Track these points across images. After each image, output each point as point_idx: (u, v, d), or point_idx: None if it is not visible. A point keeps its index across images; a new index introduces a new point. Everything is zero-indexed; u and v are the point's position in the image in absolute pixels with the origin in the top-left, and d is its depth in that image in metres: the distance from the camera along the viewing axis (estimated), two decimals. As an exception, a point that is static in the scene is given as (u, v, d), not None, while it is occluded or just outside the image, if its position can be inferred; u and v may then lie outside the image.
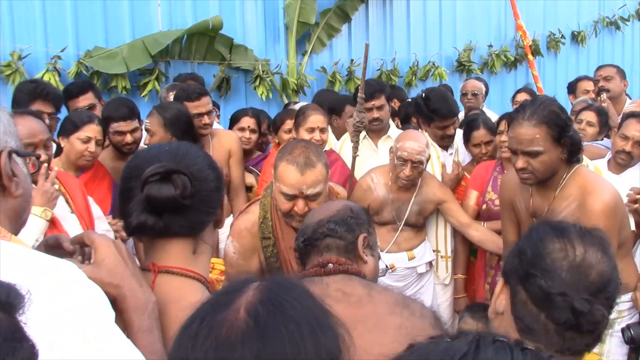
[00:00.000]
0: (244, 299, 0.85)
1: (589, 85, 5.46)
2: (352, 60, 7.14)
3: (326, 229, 1.79)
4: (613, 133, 3.63)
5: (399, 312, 1.61)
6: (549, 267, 1.36)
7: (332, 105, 4.63)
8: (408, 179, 3.39)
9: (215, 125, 4.62)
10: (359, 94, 3.48)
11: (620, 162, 3.50)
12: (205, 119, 3.76)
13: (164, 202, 1.28)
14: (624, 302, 2.73)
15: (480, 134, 3.82)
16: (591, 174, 2.72)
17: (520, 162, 2.48)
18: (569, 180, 2.56)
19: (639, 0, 10.14)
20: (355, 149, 3.46)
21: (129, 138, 3.61)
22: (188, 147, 1.43)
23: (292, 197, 2.37)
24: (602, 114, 4.23)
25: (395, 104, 5.38)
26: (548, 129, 2.44)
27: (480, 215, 3.68)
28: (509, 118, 2.65)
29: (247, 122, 4.29)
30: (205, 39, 6.10)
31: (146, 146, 3.48)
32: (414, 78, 7.52)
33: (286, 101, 6.48)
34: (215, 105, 5.37)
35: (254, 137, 4.31)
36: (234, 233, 2.61)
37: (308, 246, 1.81)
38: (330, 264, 1.73)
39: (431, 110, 3.88)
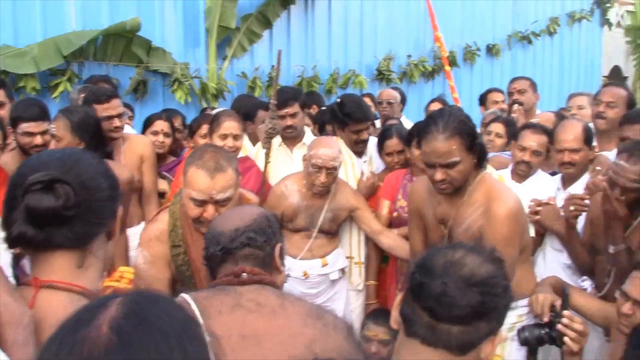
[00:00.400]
0: (107, 314, 0.83)
1: (498, 97, 5.66)
2: (272, 66, 7.12)
3: (245, 238, 1.76)
4: (512, 144, 3.78)
5: (312, 324, 1.60)
6: (427, 265, 1.48)
7: (247, 111, 4.62)
8: (323, 185, 3.42)
9: (129, 129, 4.53)
10: (271, 100, 3.48)
11: (520, 173, 3.64)
12: (116, 122, 3.65)
13: (44, 213, 1.22)
14: (521, 306, 2.83)
15: (392, 143, 3.87)
16: (495, 181, 2.81)
17: (439, 174, 2.52)
18: (475, 187, 2.63)
19: (550, 17, 10.65)
20: (267, 155, 3.46)
21: (38, 140, 3.44)
22: (80, 154, 1.37)
23: (201, 203, 2.33)
24: (510, 125, 4.37)
25: (314, 109, 5.42)
26: (461, 139, 2.50)
27: (392, 223, 3.75)
28: (421, 132, 2.67)
29: (161, 125, 4.20)
30: (122, 41, 5.95)
31: None
32: (334, 85, 7.61)
33: (205, 106, 6.40)
34: (129, 108, 5.25)
35: (168, 141, 4.23)
36: (143, 242, 2.54)
37: (225, 254, 1.77)
38: (244, 274, 1.71)
39: (345, 115, 3.92)
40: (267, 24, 7.02)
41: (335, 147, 3.46)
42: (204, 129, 3.94)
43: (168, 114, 4.51)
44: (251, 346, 1.56)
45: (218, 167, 2.35)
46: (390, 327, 3.34)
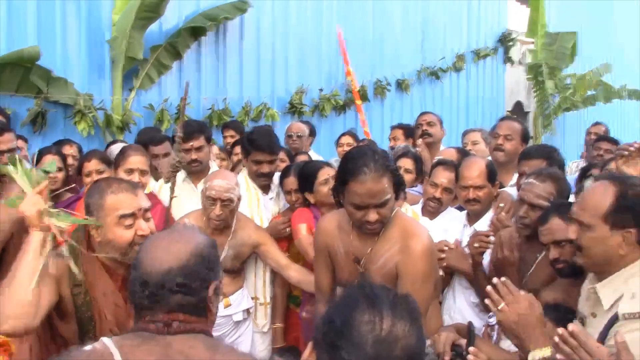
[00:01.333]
0: None
1: (395, 134, 5.73)
2: (181, 97, 6.87)
3: (177, 285, 1.58)
4: (425, 181, 3.81)
5: None
6: (354, 340, 1.36)
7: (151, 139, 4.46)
8: (219, 218, 3.32)
9: (25, 164, 4.26)
10: (177, 133, 3.37)
11: (430, 210, 3.66)
12: (4, 159, 3.42)
13: None
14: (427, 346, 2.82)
15: (289, 181, 3.79)
16: (409, 217, 2.80)
17: (373, 215, 2.45)
18: (390, 223, 2.58)
19: (456, 54, 11.05)
20: (172, 189, 3.34)
21: None
22: None
23: (132, 219, 2.28)
24: (417, 161, 4.43)
25: (230, 137, 5.51)
26: (390, 175, 2.46)
27: None
28: (347, 174, 2.51)
29: (50, 160, 3.98)
30: (20, 70, 5.65)
31: None
32: (246, 118, 7.52)
33: (110, 138, 6.16)
34: (24, 140, 4.97)
35: (60, 175, 4.00)
36: None
37: (152, 300, 1.59)
38: (175, 322, 1.57)
39: (249, 141, 3.83)
40: (177, 55, 6.87)
41: (231, 178, 3.39)
42: (88, 167, 3.77)
43: (58, 147, 4.29)
44: None
45: (134, 185, 2.44)
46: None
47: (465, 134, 5.62)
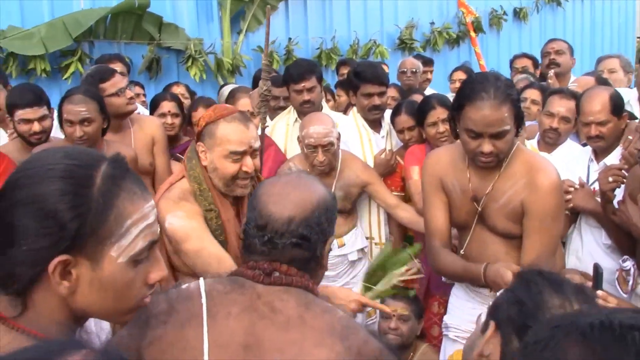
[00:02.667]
0: None
1: (524, 63, 5.37)
2: (290, 39, 6.91)
3: (298, 236, 1.47)
4: (538, 112, 3.53)
5: (330, 345, 1.37)
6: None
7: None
8: (323, 164, 3.23)
9: (143, 110, 4.37)
10: (262, 61, 3.29)
11: (549, 141, 3.41)
12: (129, 93, 3.55)
13: None
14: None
15: (401, 119, 3.62)
16: (532, 152, 2.63)
17: (487, 146, 2.29)
18: (512, 158, 2.41)
19: (580, -23, 10.19)
20: (264, 120, 3.28)
21: (36, 127, 3.31)
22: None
23: (241, 155, 2.29)
24: (545, 92, 4.11)
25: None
26: (511, 105, 2.28)
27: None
28: (464, 99, 2.32)
29: (167, 106, 4.03)
30: (132, 18, 5.79)
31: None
32: (354, 57, 7.33)
33: (222, 82, 6.23)
34: (141, 86, 5.08)
35: (177, 121, 4.05)
36: (168, 207, 2.28)
37: (267, 245, 1.49)
38: (276, 273, 1.47)
39: (356, 75, 3.69)
40: (283, -6, 6.76)
41: (327, 122, 3.27)
42: (199, 112, 3.79)
43: (172, 93, 4.35)
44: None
45: (246, 117, 2.39)
46: (410, 302, 3.22)
47: (599, 61, 5.13)
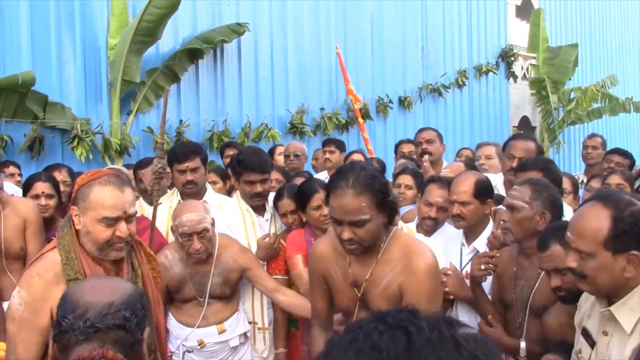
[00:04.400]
0: None
1: (409, 148, 5.65)
2: (181, 120, 6.94)
3: (120, 318, 1.52)
4: (418, 198, 3.69)
5: None
6: None
7: (140, 164, 4.38)
8: (199, 252, 3.20)
9: (17, 191, 4.19)
10: (158, 141, 3.27)
11: (426, 228, 3.53)
12: None
13: None
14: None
15: (284, 203, 3.65)
16: (408, 236, 2.68)
17: (347, 233, 2.34)
18: (389, 244, 2.47)
19: (458, 70, 10.99)
20: (157, 197, 3.23)
21: None
22: None
23: (114, 221, 2.22)
24: (417, 176, 4.31)
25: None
26: (372, 195, 2.33)
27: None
28: (329, 186, 2.47)
29: (41, 187, 3.88)
30: (15, 95, 5.63)
31: None
32: (246, 139, 7.46)
33: (109, 163, 6.12)
34: (15, 165, 4.90)
35: (52, 202, 3.91)
36: (23, 282, 2.24)
37: (89, 332, 1.50)
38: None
39: (239, 162, 3.71)
40: (175, 77, 6.84)
41: (199, 208, 3.25)
42: None
43: (48, 172, 4.20)
44: None
45: (122, 181, 2.31)
46: None
47: (478, 147, 5.46)
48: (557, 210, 2.82)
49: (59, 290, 2.19)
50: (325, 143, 6.38)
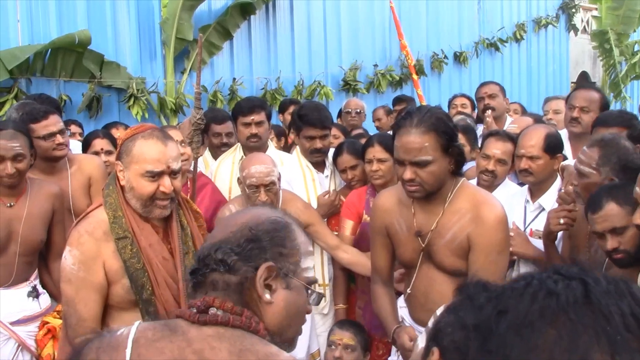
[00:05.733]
0: None
1: (461, 101, 5.49)
2: (234, 79, 6.90)
3: (214, 260, 1.34)
4: (476, 153, 3.57)
5: None
6: None
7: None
8: (266, 204, 3.18)
9: (78, 149, 4.23)
10: (195, 89, 3.25)
11: (484, 183, 3.42)
12: (58, 139, 3.36)
13: None
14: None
15: (343, 159, 3.59)
16: (476, 188, 2.63)
17: (408, 173, 2.30)
18: (457, 194, 2.41)
19: (516, 23, 10.59)
20: (197, 149, 3.22)
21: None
22: None
23: (157, 175, 2.19)
24: (468, 132, 4.16)
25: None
26: (437, 136, 2.29)
27: (358, 243, 3.47)
28: (395, 127, 2.41)
29: (100, 144, 3.91)
30: (72, 55, 5.66)
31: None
32: (299, 97, 7.37)
33: (164, 122, 6.15)
34: (78, 125, 4.96)
35: (112, 158, 3.92)
36: (73, 241, 2.23)
37: (196, 280, 1.39)
38: (213, 309, 1.32)
39: (300, 117, 3.66)
40: (227, 35, 6.77)
41: (267, 161, 3.23)
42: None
43: (106, 130, 4.24)
44: None
45: (167, 135, 2.28)
46: (357, 333, 3.18)
47: (546, 101, 5.30)
48: (631, 173, 2.65)
49: (109, 248, 2.21)
50: (396, 101, 6.28)
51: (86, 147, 3.98)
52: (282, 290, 1.37)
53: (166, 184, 2.19)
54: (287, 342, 1.42)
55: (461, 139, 3.97)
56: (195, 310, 1.33)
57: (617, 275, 2.22)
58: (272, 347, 1.33)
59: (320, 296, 1.47)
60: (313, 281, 1.46)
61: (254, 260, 1.35)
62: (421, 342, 1.37)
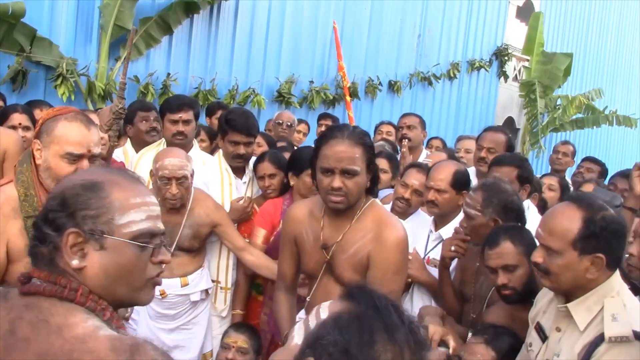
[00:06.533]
0: None
1: (388, 129, 5.68)
2: (168, 74, 6.86)
3: (35, 232, 1.35)
4: (396, 181, 3.73)
5: None
6: None
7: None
8: (175, 197, 3.22)
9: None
10: (120, 79, 3.28)
11: (398, 210, 3.58)
12: None
13: None
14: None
15: (263, 166, 3.69)
16: (384, 209, 2.73)
17: (337, 181, 2.39)
18: (365, 212, 2.52)
19: (451, 62, 11.00)
20: (115, 138, 3.25)
21: None
22: None
23: (77, 158, 2.19)
24: (392, 160, 4.33)
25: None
26: (364, 150, 2.41)
27: (271, 252, 3.52)
28: (322, 138, 2.50)
29: (18, 119, 3.82)
30: (4, 25, 5.51)
31: None
32: (232, 102, 7.40)
33: (90, 106, 6.05)
34: (0, 97, 4.83)
35: (29, 134, 3.84)
36: None
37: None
38: (34, 280, 1.32)
39: (227, 122, 3.72)
40: (168, 29, 6.74)
41: (182, 155, 3.30)
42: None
43: (28, 106, 4.15)
44: None
45: (90, 120, 2.28)
46: (251, 337, 3.25)
47: (458, 140, 5.53)
48: (513, 214, 2.84)
49: (15, 226, 2.20)
50: (322, 117, 6.43)
51: (2, 119, 3.88)
52: (95, 252, 1.33)
53: (85, 167, 2.19)
54: (121, 303, 1.40)
55: (385, 165, 4.18)
56: (18, 278, 1.33)
57: (501, 311, 2.41)
58: (77, 316, 1.29)
59: (153, 248, 1.42)
60: (141, 234, 1.37)
61: (59, 228, 1.33)
62: (297, 336, 1.39)
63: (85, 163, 2.21)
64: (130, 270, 1.37)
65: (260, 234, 3.52)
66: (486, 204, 2.82)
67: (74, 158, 2.20)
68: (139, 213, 1.37)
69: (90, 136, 2.23)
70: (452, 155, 4.67)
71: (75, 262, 1.32)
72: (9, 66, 5.64)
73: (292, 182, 3.55)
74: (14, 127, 3.77)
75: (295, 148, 4.27)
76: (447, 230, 3.30)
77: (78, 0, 6.14)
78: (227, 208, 3.62)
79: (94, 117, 3.28)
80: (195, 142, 4.08)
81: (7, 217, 2.20)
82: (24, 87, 5.76)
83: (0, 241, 2.18)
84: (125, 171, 1.49)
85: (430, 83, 10.56)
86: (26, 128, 3.80)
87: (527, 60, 13.23)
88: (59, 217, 1.32)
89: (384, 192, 4.10)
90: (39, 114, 4.16)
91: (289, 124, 5.72)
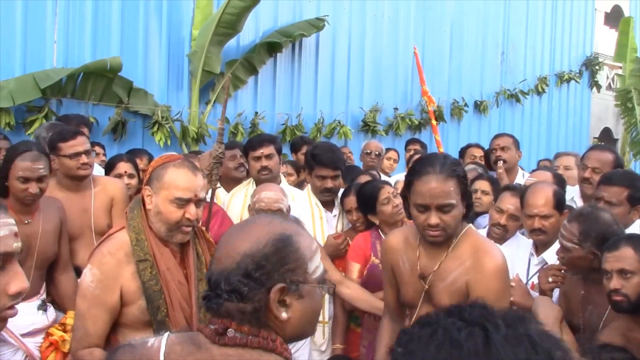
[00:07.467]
0: None
1: (477, 152, 5.57)
2: (256, 112, 7.08)
3: (226, 291, 1.36)
4: (491, 205, 3.63)
5: None
6: None
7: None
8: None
9: (99, 170, 4.39)
10: (218, 125, 3.38)
11: (495, 236, 3.47)
12: (83, 159, 3.51)
13: None
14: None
15: (350, 200, 3.68)
16: (480, 235, 2.66)
17: (434, 218, 2.34)
18: (461, 239, 2.46)
19: (538, 76, 10.71)
20: (215, 182, 3.34)
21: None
22: None
23: (185, 202, 2.30)
24: (494, 183, 4.23)
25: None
26: (458, 181, 2.36)
27: (367, 285, 3.53)
28: (413, 173, 2.45)
29: (123, 167, 4.07)
30: (103, 80, 5.90)
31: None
32: (318, 135, 7.53)
33: (185, 149, 6.32)
34: (101, 146, 5.13)
35: (133, 182, 4.09)
36: (95, 260, 2.34)
37: (209, 301, 1.40)
38: (230, 331, 1.37)
39: (313, 157, 3.76)
40: (253, 70, 6.99)
41: (277, 190, 3.35)
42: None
43: (130, 155, 4.41)
44: None
45: (195, 166, 2.40)
46: None
47: (557, 157, 5.30)
48: None
49: (129, 270, 2.32)
50: (410, 142, 6.42)
51: (109, 168, 4.13)
52: (296, 302, 1.38)
53: (192, 211, 2.30)
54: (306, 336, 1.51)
55: (486, 187, 4.10)
56: (214, 330, 1.38)
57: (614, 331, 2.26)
58: None
59: (333, 285, 1.51)
60: (324, 279, 1.46)
61: (264, 285, 1.36)
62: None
63: (192, 207, 2.32)
64: (318, 310, 1.47)
65: (354, 269, 3.52)
66: (584, 237, 2.68)
67: (182, 202, 2.31)
68: (317, 256, 1.46)
69: (197, 181, 2.35)
70: (557, 175, 4.44)
71: (284, 315, 1.38)
72: (110, 118, 6.01)
73: (375, 221, 3.56)
74: (119, 175, 4.01)
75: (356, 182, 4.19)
76: (550, 254, 3.16)
77: (169, 50, 6.49)
78: (320, 241, 3.65)
79: (195, 162, 3.43)
80: (283, 178, 4.16)
81: (121, 262, 2.32)
82: (123, 136, 6.12)
83: (115, 286, 2.31)
84: (297, 220, 1.55)
85: (517, 100, 10.32)
86: (131, 176, 4.04)
87: (620, 67, 12.67)
88: (260, 276, 1.37)
89: (486, 218, 3.99)
90: (139, 163, 4.43)
91: (377, 153, 5.74)
